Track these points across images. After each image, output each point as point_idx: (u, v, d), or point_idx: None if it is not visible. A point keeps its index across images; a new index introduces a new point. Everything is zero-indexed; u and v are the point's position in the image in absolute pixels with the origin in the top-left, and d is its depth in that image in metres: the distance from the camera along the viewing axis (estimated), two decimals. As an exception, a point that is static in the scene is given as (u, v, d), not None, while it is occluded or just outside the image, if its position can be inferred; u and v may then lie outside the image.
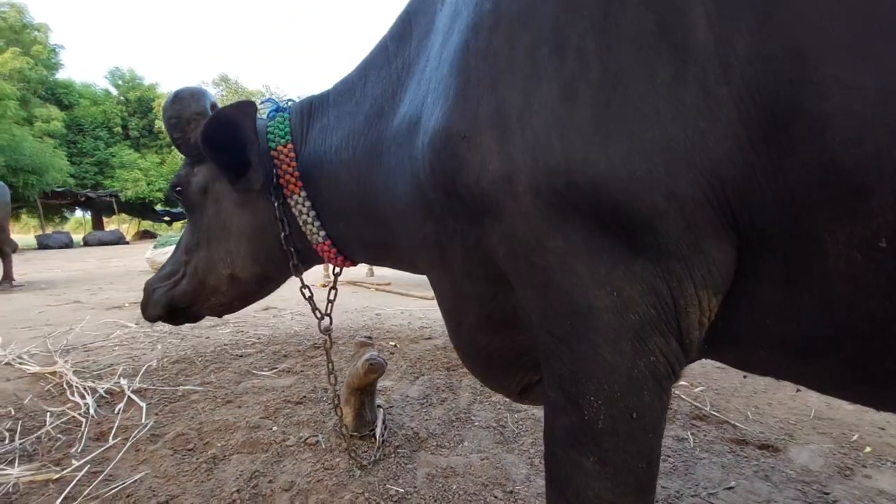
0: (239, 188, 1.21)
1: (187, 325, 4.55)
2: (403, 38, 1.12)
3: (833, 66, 0.58)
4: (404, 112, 1.01)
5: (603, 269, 0.71)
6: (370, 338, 2.25)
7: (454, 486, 1.76)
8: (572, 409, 0.77)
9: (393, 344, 3.56)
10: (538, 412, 2.39)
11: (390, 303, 5.60)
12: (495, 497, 1.69)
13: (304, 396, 2.56)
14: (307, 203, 1.23)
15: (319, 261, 1.39)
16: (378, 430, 2.10)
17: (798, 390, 2.57)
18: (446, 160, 0.82)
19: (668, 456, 2.01)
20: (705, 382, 2.81)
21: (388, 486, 1.75)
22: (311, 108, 1.29)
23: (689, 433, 2.20)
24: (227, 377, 2.87)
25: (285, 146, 1.23)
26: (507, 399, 1.40)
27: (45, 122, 25.27)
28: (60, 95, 29.71)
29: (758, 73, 0.62)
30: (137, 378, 2.79)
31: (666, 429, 2.24)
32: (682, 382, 2.76)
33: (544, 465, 0.87)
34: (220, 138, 1.12)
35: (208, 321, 4.39)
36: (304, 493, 1.70)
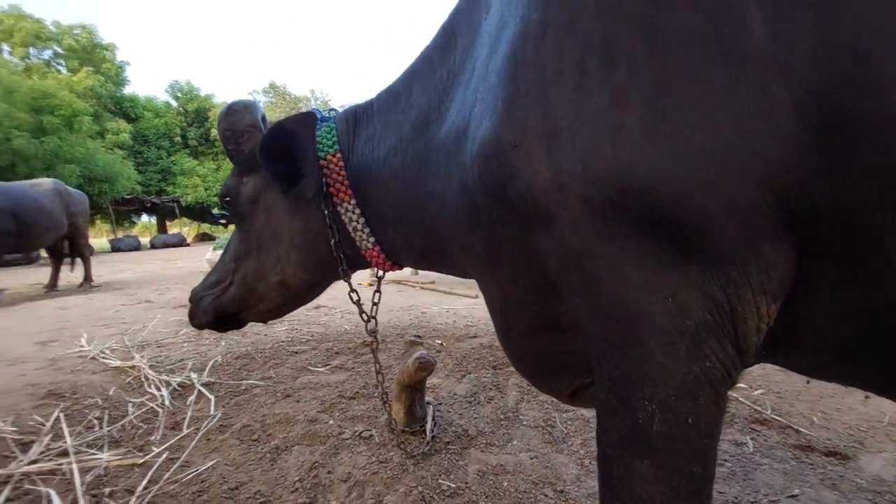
0: (291, 197, 1.27)
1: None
2: (447, 48, 1.15)
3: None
4: (452, 121, 1.04)
5: (656, 275, 0.72)
6: (420, 336, 2.32)
7: (505, 484, 1.79)
8: (626, 413, 0.78)
9: (439, 342, 3.63)
10: (587, 413, 2.37)
11: (435, 301, 5.68)
12: (546, 496, 1.71)
13: (357, 392, 2.67)
14: (357, 210, 1.27)
15: (366, 265, 1.44)
16: (428, 426, 2.17)
17: (867, 396, 2.41)
18: (496, 169, 0.84)
19: (726, 461, 1.95)
20: (766, 385, 2.69)
21: (440, 480, 1.81)
22: (357, 118, 1.33)
23: (748, 438, 2.12)
24: (285, 373, 3.03)
25: (334, 155, 1.27)
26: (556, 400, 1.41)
27: (115, 134, 27.32)
28: (127, 109, 32.04)
29: (819, 75, 0.61)
30: (205, 372, 3.01)
31: (723, 433, 2.18)
32: (740, 385, 2.66)
33: (598, 467, 0.88)
34: (279, 149, 1.18)
35: (265, 319, 4.63)
36: (361, 485, 1.79)
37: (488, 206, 0.90)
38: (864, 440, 2.06)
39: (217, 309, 1.52)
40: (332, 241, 1.30)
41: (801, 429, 2.17)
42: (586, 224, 0.75)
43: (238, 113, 1.33)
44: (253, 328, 4.28)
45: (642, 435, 0.77)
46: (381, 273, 1.54)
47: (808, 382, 2.64)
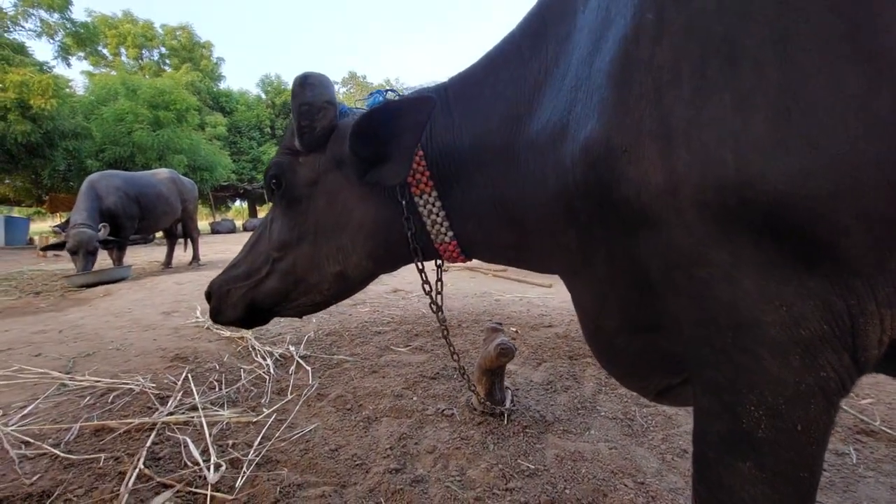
0: (363, 183, 1.18)
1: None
2: (538, 38, 1.10)
3: None
4: (546, 119, 1.02)
5: (773, 284, 0.70)
6: (500, 324, 2.40)
7: (583, 470, 1.84)
8: (729, 417, 0.78)
9: (514, 330, 3.70)
10: (669, 409, 2.34)
11: (507, 289, 5.74)
12: (626, 486, 1.74)
13: (437, 373, 2.82)
14: (438, 203, 1.21)
15: (435, 258, 1.38)
16: (507, 410, 2.26)
17: None
18: (603, 173, 0.84)
19: (825, 470, 1.84)
20: (875, 394, 2.47)
21: (519, 461, 1.90)
22: None
23: (851, 448, 1.98)
24: (370, 350, 3.27)
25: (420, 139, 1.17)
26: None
27: (213, 127, 29.98)
28: (223, 103, 34.98)
29: None
30: (301, 346, 3.33)
31: (821, 441, 2.05)
32: (844, 392, 2.46)
33: (693, 465, 0.89)
34: (378, 130, 1.10)
35: (349, 300, 4.97)
36: (446, 457, 1.93)
37: (589, 209, 0.91)
38: None
39: (251, 303, 1.42)
40: (409, 232, 1.24)
41: (917, 444, 1.98)
42: (700, 229, 0.73)
43: (316, 87, 1.21)
44: (339, 307, 4.62)
45: (746, 439, 0.76)
46: (440, 262, 1.46)
47: None
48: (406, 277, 6.44)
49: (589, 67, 0.93)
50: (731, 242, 0.72)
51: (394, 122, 1.09)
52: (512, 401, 2.37)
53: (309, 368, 2.89)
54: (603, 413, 2.33)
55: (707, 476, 0.85)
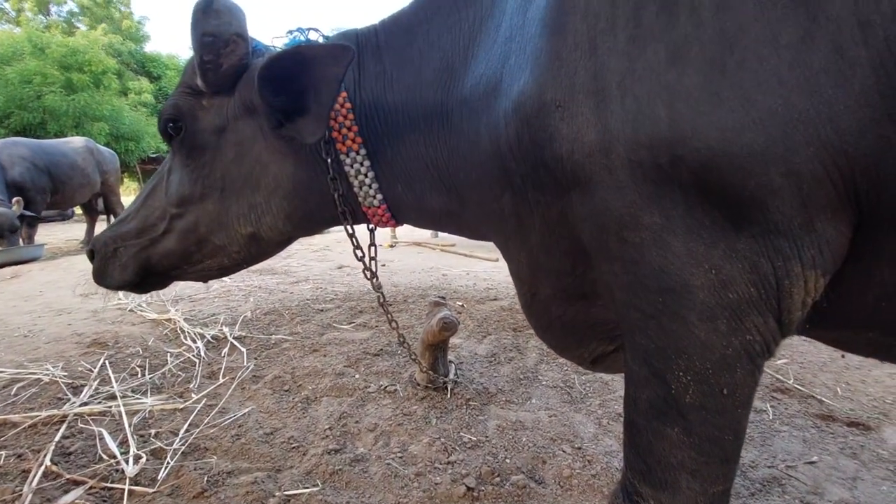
0: (282, 135, 1.05)
1: (273, 280, 4.87)
2: None
3: None
4: (480, 73, 0.95)
5: (702, 246, 0.68)
6: (443, 298, 2.36)
7: (524, 439, 1.86)
8: (658, 383, 0.77)
9: (460, 304, 3.69)
10: (606, 375, 2.41)
11: (455, 264, 5.73)
12: (564, 451, 1.77)
13: (381, 349, 2.76)
14: (366, 162, 1.10)
15: (362, 221, 1.27)
16: (450, 384, 2.24)
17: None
18: (536, 130, 0.79)
19: (744, 426, 1.97)
20: (789, 355, 2.68)
21: (461, 433, 1.89)
22: (360, 49, 1.11)
23: (768, 405, 2.13)
24: (312, 329, 3.14)
25: (339, 94, 1.05)
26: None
27: (138, 93, 27.47)
28: (150, 68, 32.01)
29: None
30: (236, 326, 3.14)
31: (742, 399, 2.19)
32: (762, 354, 2.64)
33: (624, 432, 0.89)
34: (289, 78, 0.97)
35: (290, 278, 4.77)
36: (387, 434, 1.88)
37: (523, 171, 0.86)
38: (889, 412, 2.05)
39: (144, 264, 1.24)
40: (336, 193, 1.12)
41: (823, 399, 2.16)
42: (632, 191, 0.71)
43: (223, 15, 1.02)
44: (280, 285, 4.41)
45: (674, 404, 0.76)
46: (372, 227, 1.34)
47: (843, 357, 2.61)
48: (350, 252, 6.26)
49: (523, 16, 0.87)
50: (663, 204, 0.70)
51: (307, 71, 0.96)
52: (456, 374, 2.35)
53: (244, 350, 2.73)
54: (544, 382, 2.37)
55: (637, 442, 0.85)
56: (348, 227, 1.24)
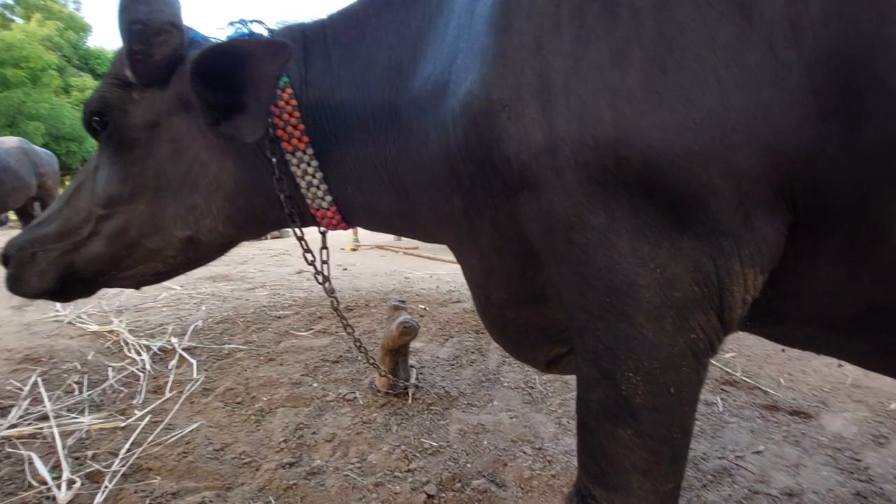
0: (220, 133, 0.97)
1: (227, 287, 4.68)
2: None
3: None
4: (428, 73, 0.93)
5: (647, 246, 0.69)
6: (403, 301, 2.32)
7: (485, 442, 1.84)
8: (608, 385, 0.78)
9: (423, 307, 3.65)
10: (566, 376, 2.44)
11: (418, 266, 5.69)
12: (524, 453, 1.77)
13: (341, 356, 2.69)
14: (314, 162, 1.05)
15: (311, 224, 1.21)
16: (411, 389, 2.21)
17: (840, 365, 2.51)
18: (484, 131, 0.78)
19: (697, 419, 2.03)
20: (737, 348, 2.80)
21: (422, 439, 1.85)
22: (306, 44, 1.07)
23: (718, 398, 2.22)
24: (268, 337, 3.03)
25: (283, 90, 1.01)
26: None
27: (80, 91, 25.87)
28: (93, 64, 30.23)
29: (834, 35, 0.57)
30: (186, 337, 2.98)
31: (695, 393, 2.27)
32: (713, 348, 2.75)
33: (577, 434, 0.89)
34: (224, 73, 0.91)
35: (246, 284, 4.59)
36: (346, 444, 1.83)
37: (471, 172, 0.85)
38: (827, 400, 2.18)
39: (66, 270, 1.14)
40: (283, 195, 1.06)
41: (768, 389, 2.27)
42: (578, 192, 0.71)
43: (153, 2, 0.95)
44: (235, 292, 4.24)
45: (624, 405, 0.77)
46: (323, 229, 1.28)
47: (783, 350, 2.74)
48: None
49: (471, 14, 0.85)
50: (609, 205, 0.70)
51: (243, 67, 0.90)
52: (417, 378, 2.32)
53: (194, 361, 2.59)
54: (506, 384, 2.37)
55: (589, 444, 0.85)
56: (297, 230, 1.18)
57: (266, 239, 8.43)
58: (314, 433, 1.90)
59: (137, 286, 1.25)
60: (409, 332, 2.07)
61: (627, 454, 0.79)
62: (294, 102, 1.03)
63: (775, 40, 0.60)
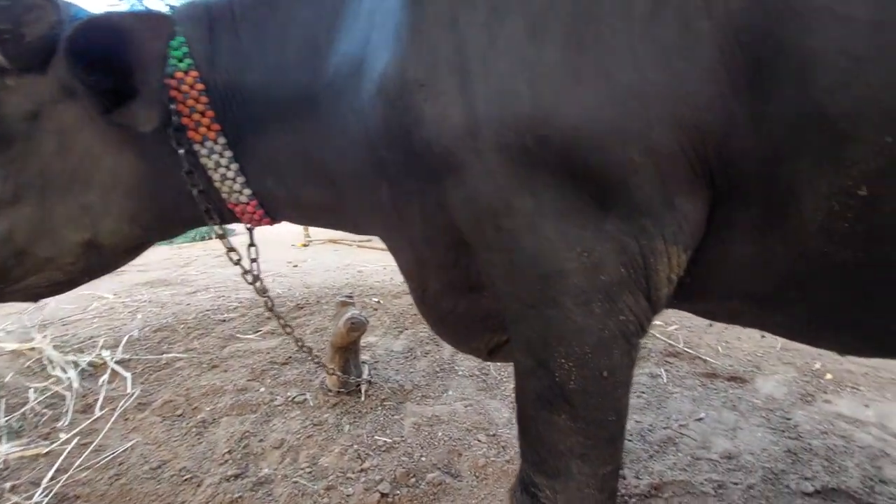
0: (114, 122, 0.88)
1: (166, 292, 4.41)
2: None
3: None
4: (344, 52, 0.86)
5: (573, 229, 0.68)
6: (350, 296, 2.25)
7: (440, 434, 1.83)
8: (543, 373, 0.77)
9: (376, 300, 3.59)
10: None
11: (372, 259, 5.59)
12: (479, 441, 1.77)
13: (290, 357, 2.59)
14: (227, 153, 0.96)
15: (231, 220, 1.14)
16: (364, 385, 2.16)
17: (763, 336, 2.67)
18: (402, 113, 0.74)
19: (643, 392, 2.11)
20: (678, 321, 2.92)
21: (375, 437, 1.81)
22: (212, 21, 0.98)
23: (662, 370, 2.30)
24: (212, 343, 2.87)
25: (186, 73, 0.92)
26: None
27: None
28: None
29: (742, 6, 0.56)
30: (119, 349, 2.77)
31: (641, 366, 2.35)
32: (657, 322, 2.86)
33: (517, 423, 0.89)
34: (102, 53, 0.81)
35: (188, 288, 4.34)
36: (295, 449, 1.76)
37: (394, 158, 0.80)
38: (761, 364, 2.31)
39: None
40: (195, 190, 0.97)
41: (707, 358, 2.38)
42: (502, 175, 0.68)
43: None
44: (175, 297, 4.00)
45: (559, 392, 0.76)
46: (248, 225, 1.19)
47: (710, 325, 2.86)
48: (263, 255, 5.86)
49: None
50: (534, 187, 0.68)
51: (126, 45, 0.81)
52: (370, 374, 2.27)
53: (128, 375, 2.42)
54: (461, 372, 2.36)
55: (529, 433, 0.85)
56: (217, 228, 1.09)
57: (210, 238, 8.03)
58: (261, 441, 1.82)
59: (34, 299, 1.12)
60: (357, 327, 2.01)
61: (565, 440, 0.78)
62: (200, 86, 0.93)
63: (688, 12, 0.58)
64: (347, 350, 2.13)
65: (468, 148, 0.69)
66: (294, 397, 2.13)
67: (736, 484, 1.53)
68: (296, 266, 5.19)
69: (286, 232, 7.09)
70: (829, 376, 2.15)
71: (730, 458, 1.65)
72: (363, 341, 2.70)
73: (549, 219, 0.68)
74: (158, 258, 5.71)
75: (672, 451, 1.70)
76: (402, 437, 1.82)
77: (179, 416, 2.04)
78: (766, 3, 0.55)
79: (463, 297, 0.96)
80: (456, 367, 2.41)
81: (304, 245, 6.82)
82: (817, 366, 2.25)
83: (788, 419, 1.86)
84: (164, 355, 2.69)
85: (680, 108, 0.60)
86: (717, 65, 0.58)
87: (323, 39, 0.91)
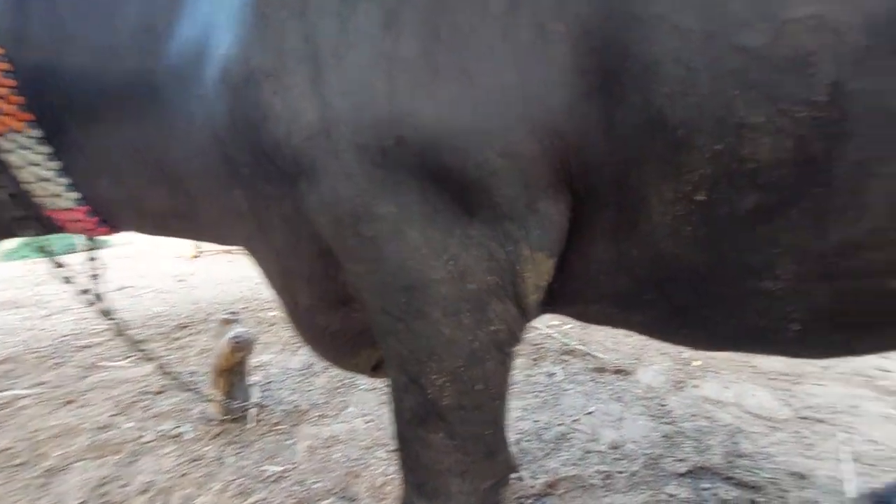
0: None
1: (16, 316, 3.77)
2: None
3: (661, 3, 0.54)
4: (186, 35, 0.76)
5: (438, 235, 0.65)
6: (236, 313, 2.05)
7: (336, 455, 1.72)
8: (416, 389, 0.73)
9: (273, 314, 3.35)
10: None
11: (273, 270, 5.25)
12: (378, 458, 1.69)
13: (166, 385, 2.30)
14: (43, 148, 0.83)
15: (54, 230, 0.98)
16: (253, 410, 1.97)
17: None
18: (248, 107, 0.66)
19: (541, 391, 2.18)
20: (573, 320, 3.09)
21: (263, 467, 1.66)
22: None
23: (558, 368, 2.41)
24: (69, 373, 2.47)
25: None
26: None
27: None
28: None
29: (592, 9, 0.56)
30: (-61, 390, 2.27)
31: (538, 365, 2.44)
32: (554, 321, 3.00)
33: (395, 444, 0.84)
34: None
35: (43, 310, 3.71)
36: (166, 492, 1.54)
37: (244, 157, 0.72)
38: (642, 356, 2.51)
39: None
40: (5, 192, 0.85)
41: (597, 354, 2.54)
42: (361, 178, 0.63)
43: None
44: (27, 321, 3.39)
45: (434, 409, 0.73)
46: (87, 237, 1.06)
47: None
48: (139, 269, 5.23)
49: None
50: (397, 191, 0.63)
51: None
52: (260, 397, 2.08)
53: (-53, 422, 1.98)
54: (362, 387, 2.26)
55: (407, 454, 0.81)
56: (39, 245, 0.95)
57: (73, 252, 6.99)
58: (124, 486, 1.57)
59: None
60: (242, 346, 1.84)
61: (443, 459, 0.75)
62: (5, 66, 0.78)
63: (542, 13, 0.58)
64: (232, 372, 1.93)
65: (322, 148, 0.63)
66: (168, 431, 1.89)
67: (621, 473, 1.62)
68: (182, 280, 4.69)
69: (173, 241, 6.42)
70: (696, 363, 2.39)
71: (616, 448, 1.75)
72: (256, 360, 2.50)
73: (413, 225, 0.65)
74: (9, 276, 4.85)
75: (566, 447, 1.76)
76: (295, 463, 1.68)
77: (20, 465, 1.70)
78: (612, 9, 0.56)
79: (337, 311, 0.89)
80: (357, 382, 2.30)
81: (195, 256, 6.21)
82: (686, 354, 2.50)
83: (664, 405, 2.03)
84: (5, 392, 2.25)
85: (537, 111, 0.59)
86: (571, 68, 0.58)
87: (161, 20, 0.79)
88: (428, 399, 0.72)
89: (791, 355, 0.74)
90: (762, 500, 1.47)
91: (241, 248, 0.96)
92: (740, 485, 1.54)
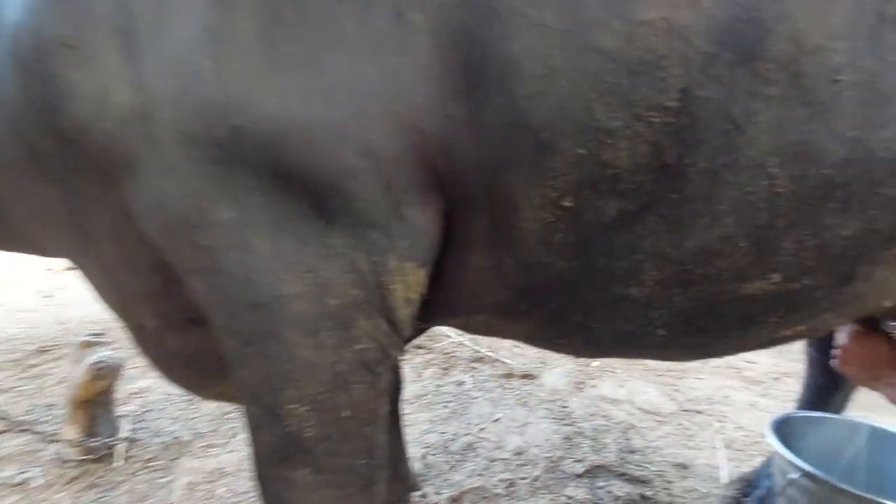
0: None
1: None
2: None
3: None
4: None
5: (291, 244, 0.57)
6: (100, 333, 1.79)
7: (220, 490, 1.55)
8: (273, 422, 0.65)
9: (160, 333, 3.00)
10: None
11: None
12: (270, 489, 1.55)
13: (16, 421, 1.94)
14: None
15: None
16: (122, 446, 1.72)
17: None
18: (44, 84, 0.55)
19: (450, 401, 2.15)
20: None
21: (130, 512, 1.44)
22: None
23: (468, 376, 2.40)
24: None
25: None
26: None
27: None
28: None
29: (452, 1, 0.52)
30: None
31: (448, 374, 2.41)
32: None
33: (255, 485, 0.74)
34: None
35: None
36: (-4, 557, 1.27)
37: (49, 148, 0.60)
38: (547, 360, 2.59)
39: None
40: None
41: (505, 360, 2.57)
42: (192, 175, 0.55)
43: None
44: None
45: (296, 443, 0.65)
46: None
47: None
48: (4, 282, 4.45)
49: None
50: (236, 192, 0.55)
51: None
52: (132, 430, 1.83)
53: None
54: (258, 409, 2.08)
55: (267, 495, 0.71)
56: None
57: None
58: (-63, 556, 1.28)
59: None
60: (105, 374, 1.60)
61: (310, 497, 0.67)
62: None
63: (401, 1, 0.52)
64: (94, 403, 1.67)
65: (139, 135, 0.54)
66: (11, 477, 1.58)
67: (524, 479, 1.63)
68: (49, 297, 4.06)
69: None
70: (595, 364, 2.52)
71: (519, 455, 1.76)
72: (133, 387, 2.21)
73: (259, 232, 0.57)
74: None
75: (471, 458, 1.74)
76: None
77: None
78: (473, 3, 0.53)
79: (188, 332, 0.77)
80: (252, 403, 2.12)
81: (68, 269, 5.44)
82: (588, 356, 2.63)
83: (566, 407, 2.09)
84: None
85: (399, 108, 0.55)
86: (433, 62, 0.54)
87: None
88: (288, 432, 0.64)
89: (663, 359, 0.77)
90: (650, 493, 1.55)
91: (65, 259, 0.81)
92: (632, 480, 1.62)
